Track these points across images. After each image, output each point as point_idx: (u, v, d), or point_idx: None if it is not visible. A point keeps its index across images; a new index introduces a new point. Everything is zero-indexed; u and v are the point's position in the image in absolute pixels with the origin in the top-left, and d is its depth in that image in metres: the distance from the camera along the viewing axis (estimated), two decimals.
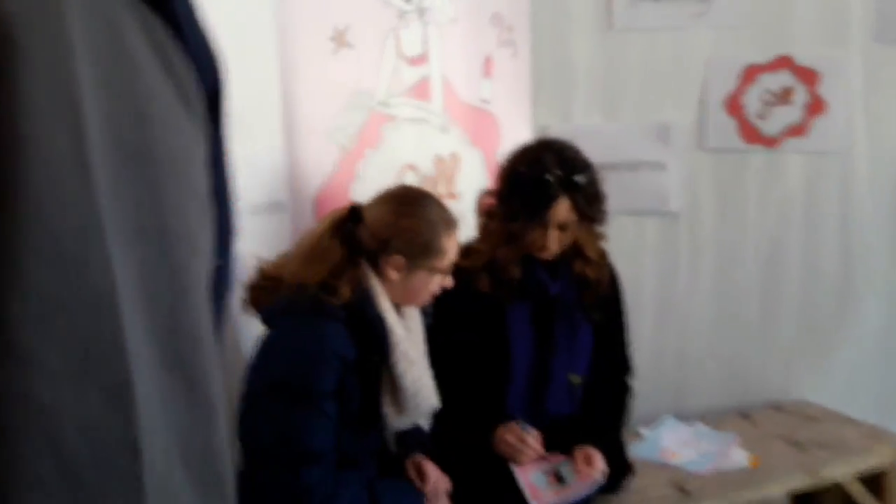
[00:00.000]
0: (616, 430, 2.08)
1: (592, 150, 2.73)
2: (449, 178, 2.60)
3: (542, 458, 1.88)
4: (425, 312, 1.78)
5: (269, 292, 1.56)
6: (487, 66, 2.69)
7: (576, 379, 1.98)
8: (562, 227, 1.88)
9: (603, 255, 2.04)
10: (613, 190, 2.73)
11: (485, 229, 1.99)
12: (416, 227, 1.60)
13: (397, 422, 1.64)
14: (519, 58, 2.78)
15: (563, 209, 1.85)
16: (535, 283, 1.95)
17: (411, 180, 2.46)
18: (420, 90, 2.48)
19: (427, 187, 2.53)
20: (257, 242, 2.05)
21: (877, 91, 2.71)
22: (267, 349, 1.52)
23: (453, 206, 2.46)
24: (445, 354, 1.95)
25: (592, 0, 2.75)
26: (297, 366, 1.47)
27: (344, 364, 1.49)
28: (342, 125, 2.28)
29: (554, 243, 1.89)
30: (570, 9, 2.76)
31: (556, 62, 2.79)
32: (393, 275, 1.59)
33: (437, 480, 1.71)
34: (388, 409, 1.60)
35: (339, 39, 2.26)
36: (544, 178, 1.84)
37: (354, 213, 1.60)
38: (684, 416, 2.65)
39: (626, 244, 2.80)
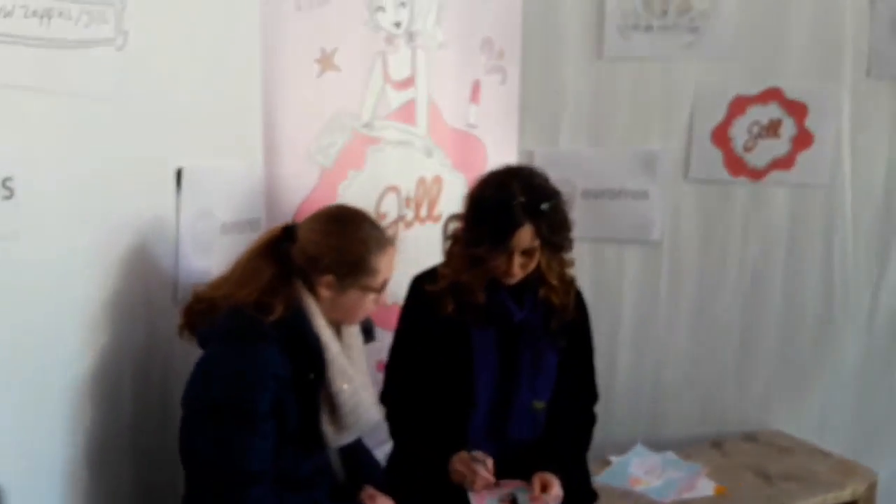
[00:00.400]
0: (579, 457, 2.09)
1: (577, 177, 2.82)
2: (432, 200, 2.65)
3: (498, 485, 1.89)
4: (367, 330, 1.80)
5: (204, 315, 1.58)
6: (475, 91, 2.73)
7: (539, 405, 1.99)
8: (525, 254, 1.89)
9: (569, 282, 2.04)
10: (596, 217, 2.82)
11: (450, 253, 2.02)
12: (345, 246, 1.60)
13: (337, 439, 1.64)
14: (508, 83, 2.83)
15: (526, 236, 1.86)
16: (499, 309, 1.97)
17: (393, 202, 2.51)
18: (405, 113, 2.53)
19: (410, 209, 2.59)
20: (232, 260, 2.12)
21: (864, 126, 2.73)
22: (202, 371, 1.54)
23: (435, 229, 2.53)
24: (410, 374, 2.01)
25: (583, 28, 2.79)
26: (233, 388, 1.47)
27: (279, 383, 1.50)
28: (324, 146, 2.33)
29: (517, 269, 1.90)
30: (561, 36, 2.80)
31: (545, 88, 2.83)
32: (325, 293, 1.59)
33: None
34: (327, 427, 1.60)
35: (326, 62, 2.31)
36: (509, 204, 1.85)
37: (288, 233, 1.62)
38: (659, 446, 2.66)
39: (607, 272, 2.86)
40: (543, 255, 1.92)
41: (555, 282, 1.97)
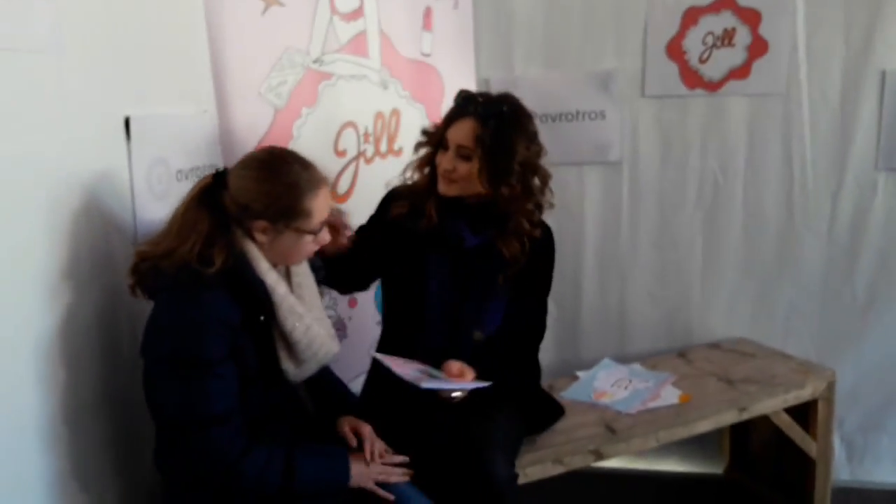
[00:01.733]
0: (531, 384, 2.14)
1: (534, 101, 2.74)
2: (391, 134, 2.64)
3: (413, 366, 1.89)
4: (316, 268, 1.82)
5: (149, 273, 1.58)
6: (427, 19, 2.69)
7: (478, 336, 1.97)
8: (462, 156, 1.89)
9: (532, 223, 1.99)
10: (555, 140, 2.80)
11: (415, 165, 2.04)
12: (275, 191, 1.59)
13: (298, 374, 1.68)
14: (460, 9, 2.79)
15: (465, 129, 1.88)
16: (452, 234, 1.97)
17: (351, 138, 2.50)
18: (356, 46, 2.49)
19: (370, 144, 2.59)
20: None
21: (818, 29, 2.71)
22: (153, 325, 1.56)
23: (396, 163, 2.53)
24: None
25: None
26: (184, 338, 1.50)
27: (229, 328, 1.53)
28: (274, 85, 2.31)
29: (446, 163, 1.89)
30: None
31: (497, 13, 2.81)
32: (260, 238, 1.60)
33: (373, 442, 1.75)
34: (286, 364, 1.65)
35: None
36: (464, 97, 1.93)
37: (218, 180, 1.61)
38: (626, 360, 2.74)
39: (567, 194, 2.87)
40: (480, 163, 1.88)
41: (500, 202, 1.93)
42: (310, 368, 1.70)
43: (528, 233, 1.96)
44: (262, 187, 1.59)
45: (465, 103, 1.93)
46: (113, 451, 1.78)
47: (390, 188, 2.12)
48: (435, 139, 1.97)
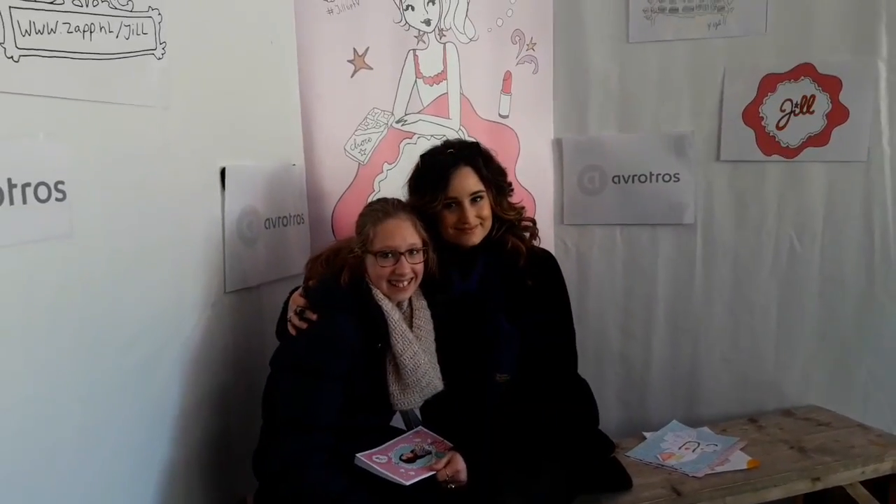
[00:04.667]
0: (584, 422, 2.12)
1: (607, 162, 2.87)
2: None
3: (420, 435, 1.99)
4: (433, 303, 2.00)
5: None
6: (507, 83, 2.81)
7: (501, 378, 2.00)
8: (475, 201, 1.99)
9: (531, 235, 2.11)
10: (628, 202, 2.87)
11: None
12: (358, 222, 1.95)
13: (403, 400, 1.90)
14: (540, 73, 2.89)
15: (469, 178, 1.99)
16: (444, 281, 2.02)
17: None
18: (438, 107, 2.63)
19: None
20: (279, 253, 2.26)
21: None
22: (289, 340, 1.91)
23: None
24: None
25: (610, 14, 2.83)
26: (313, 351, 1.81)
27: (352, 351, 1.81)
28: (359, 142, 2.46)
29: (472, 217, 1.98)
30: (587, 23, 2.85)
31: (574, 75, 2.88)
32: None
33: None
34: (393, 388, 1.88)
35: (359, 61, 2.43)
36: (443, 152, 2.05)
37: None
38: (696, 423, 2.70)
39: (640, 255, 2.91)
40: (491, 196, 2.02)
41: (511, 215, 2.06)
42: (414, 398, 1.91)
43: (528, 242, 2.09)
44: (356, 222, 1.97)
45: (448, 159, 2.02)
46: (223, 444, 2.09)
47: None
48: (433, 208, 1.99)
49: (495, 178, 2.04)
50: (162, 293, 1.80)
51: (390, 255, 1.86)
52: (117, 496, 1.68)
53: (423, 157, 2.09)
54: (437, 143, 2.13)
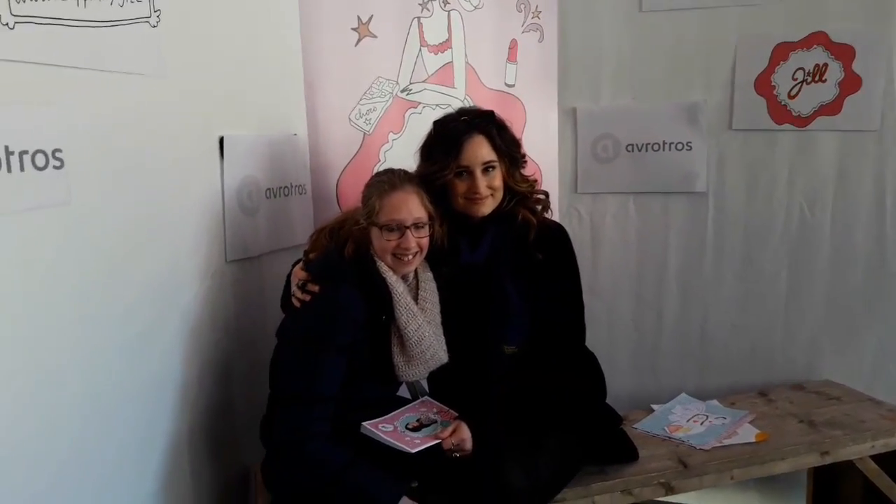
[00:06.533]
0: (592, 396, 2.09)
1: (620, 131, 2.84)
2: None
3: (425, 405, 1.98)
4: (438, 274, 1.98)
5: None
6: (512, 51, 2.76)
7: (509, 349, 2.00)
8: (486, 171, 1.95)
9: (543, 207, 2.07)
10: (640, 170, 2.84)
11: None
12: (364, 193, 1.90)
13: (407, 371, 1.89)
14: (545, 41, 2.84)
15: (482, 147, 1.94)
16: (452, 252, 1.99)
17: None
18: (443, 76, 2.59)
19: None
20: (281, 223, 2.24)
21: None
22: (295, 312, 1.89)
23: None
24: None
25: None
26: (318, 321, 1.78)
27: (356, 323, 1.79)
28: (363, 112, 2.42)
29: (483, 187, 1.94)
30: None
31: (585, 45, 2.84)
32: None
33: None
34: (398, 359, 1.87)
35: (363, 30, 2.39)
36: (456, 119, 1.99)
37: None
38: (705, 395, 2.69)
39: (652, 223, 2.89)
40: (503, 167, 1.98)
41: (523, 187, 2.01)
42: (419, 370, 1.90)
43: (540, 216, 2.04)
44: (362, 193, 1.92)
45: (461, 126, 1.97)
46: (233, 411, 2.11)
47: None
48: (444, 176, 1.95)
49: (509, 149, 1.99)
50: (161, 261, 1.77)
51: (395, 229, 1.83)
52: (123, 467, 1.67)
53: (436, 123, 2.04)
54: (452, 110, 2.08)
